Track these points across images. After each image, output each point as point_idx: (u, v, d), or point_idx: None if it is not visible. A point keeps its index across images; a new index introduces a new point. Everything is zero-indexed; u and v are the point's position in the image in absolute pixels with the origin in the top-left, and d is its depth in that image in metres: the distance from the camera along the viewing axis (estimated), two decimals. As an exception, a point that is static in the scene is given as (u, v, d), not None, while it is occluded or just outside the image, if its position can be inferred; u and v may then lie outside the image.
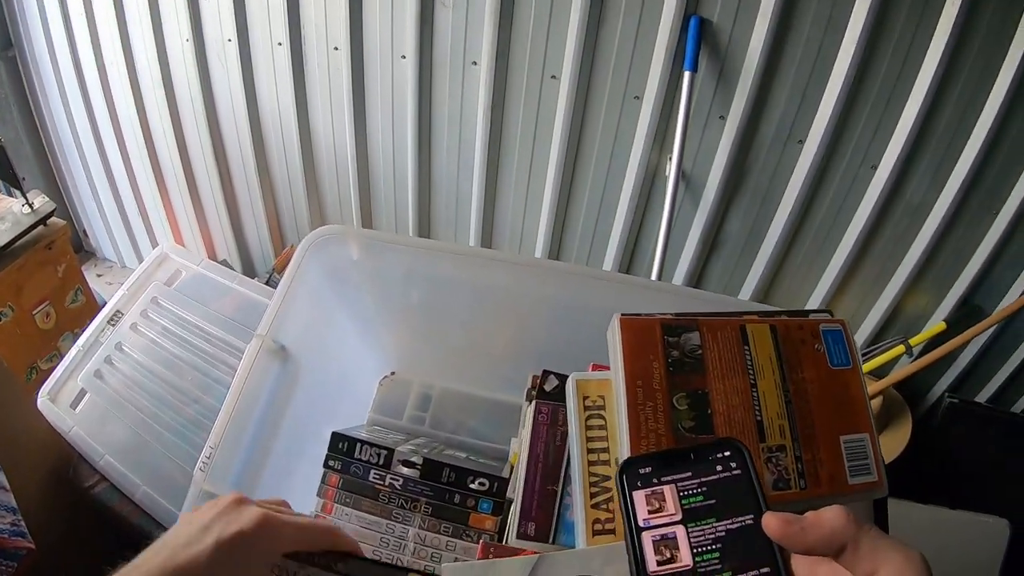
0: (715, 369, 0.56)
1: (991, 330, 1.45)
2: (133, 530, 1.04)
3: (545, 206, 1.57)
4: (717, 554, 0.39)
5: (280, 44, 1.52)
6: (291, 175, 1.74)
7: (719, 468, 0.42)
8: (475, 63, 1.40)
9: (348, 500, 0.68)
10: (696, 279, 1.62)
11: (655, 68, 1.31)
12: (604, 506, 0.54)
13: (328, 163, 1.69)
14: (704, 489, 0.41)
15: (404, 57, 1.44)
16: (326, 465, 0.69)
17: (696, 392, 0.55)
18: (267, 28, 1.52)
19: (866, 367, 1.55)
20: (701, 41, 1.27)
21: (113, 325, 1.19)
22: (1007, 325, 1.50)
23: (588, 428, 0.56)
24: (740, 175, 1.43)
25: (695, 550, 0.39)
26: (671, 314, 0.58)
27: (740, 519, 0.40)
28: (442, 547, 0.66)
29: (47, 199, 1.59)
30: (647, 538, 0.40)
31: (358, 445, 0.69)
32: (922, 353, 1.50)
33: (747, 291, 1.59)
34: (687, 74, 1.27)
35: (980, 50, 1.18)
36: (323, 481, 0.69)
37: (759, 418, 0.56)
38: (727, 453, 0.42)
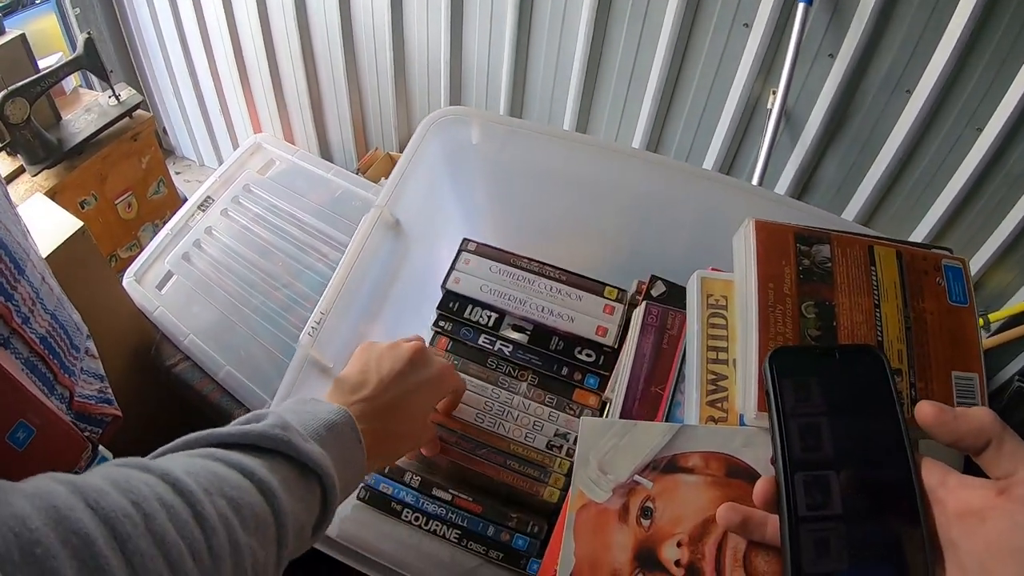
0: (843, 284, 0.55)
1: (1075, 319, 1.38)
2: (213, 409, 1.07)
3: (640, 126, 1.53)
4: (855, 451, 0.40)
5: (378, -57, 1.49)
6: (380, 78, 1.72)
7: (860, 371, 0.43)
8: (581, -30, 1.36)
9: (456, 363, 0.70)
10: (787, 219, 1.58)
11: (769, -5, 1.25)
12: (719, 405, 0.53)
13: (420, 68, 1.66)
14: (846, 388, 0.42)
15: (507, -36, 1.40)
16: (436, 325, 0.70)
17: (824, 303, 0.54)
18: (366, -74, 1.49)
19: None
20: (820, -28, 1.21)
21: (203, 211, 1.20)
22: (1091, 315, 1.43)
23: (710, 326, 0.56)
24: (843, 118, 1.37)
25: (836, 443, 0.40)
26: (802, 225, 0.57)
27: (878, 422, 0.41)
28: (544, 417, 0.67)
29: (133, 92, 1.61)
30: (793, 425, 0.40)
31: (469, 305, 0.70)
32: (1000, 330, 1.45)
33: (837, 237, 1.55)
34: (801, 5, 1.21)
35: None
36: (431, 343, 0.70)
37: (880, 339, 0.54)
38: (868, 359, 0.43)
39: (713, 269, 0.61)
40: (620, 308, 0.70)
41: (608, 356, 0.68)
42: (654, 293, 0.68)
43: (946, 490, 0.38)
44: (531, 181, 0.73)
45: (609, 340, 0.68)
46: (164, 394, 1.15)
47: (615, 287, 0.71)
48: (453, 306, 0.70)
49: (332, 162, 1.97)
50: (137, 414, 0.92)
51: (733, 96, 1.40)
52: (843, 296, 0.54)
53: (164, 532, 0.30)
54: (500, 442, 0.65)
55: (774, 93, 1.31)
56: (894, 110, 1.32)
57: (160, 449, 0.40)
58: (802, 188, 1.51)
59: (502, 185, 0.74)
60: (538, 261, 0.71)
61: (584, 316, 0.70)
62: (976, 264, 1.46)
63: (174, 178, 2.15)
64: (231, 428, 0.41)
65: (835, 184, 1.47)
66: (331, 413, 0.47)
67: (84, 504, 0.29)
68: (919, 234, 1.46)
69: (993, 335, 1.48)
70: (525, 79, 1.59)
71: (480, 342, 0.69)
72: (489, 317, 0.70)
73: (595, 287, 0.72)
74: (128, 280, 1.19)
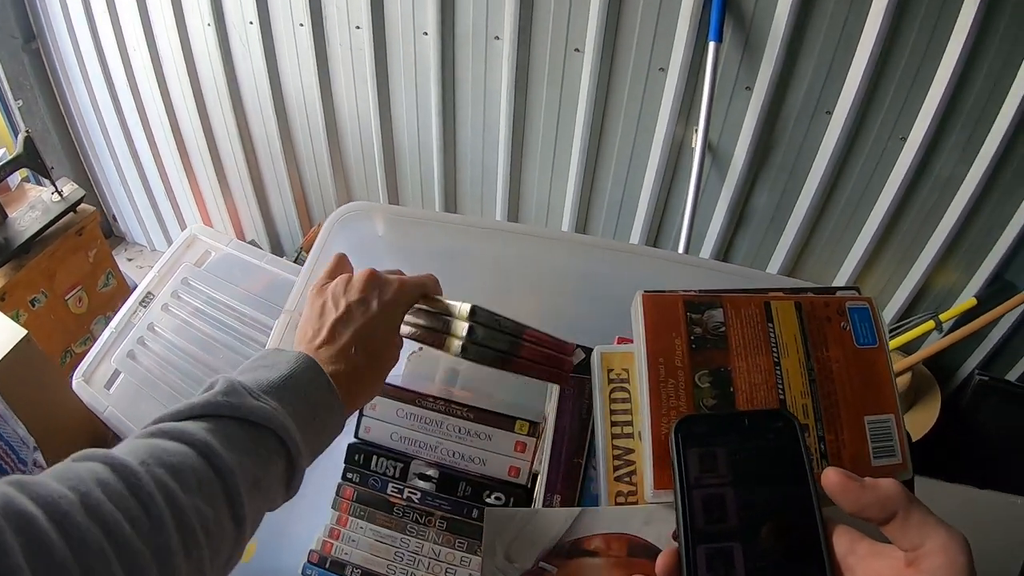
0: (738, 347, 0.55)
1: (1023, 307, 1.40)
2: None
3: (571, 180, 1.56)
4: (763, 519, 0.39)
5: (302, 25, 1.52)
6: (316, 154, 1.75)
7: (770, 436, 0.42)
8: (497, 38, 1.39)
9: (362, 513, 0.67)
10: (723, 253, 1.60)
11: (679, 39, 1.29)
12: (627, 479, 0.54)
13: (353, 141, 1.70)
14: (755, 455, 0.42)
15: (426, 34, 1.43)
16: (344, 478, 0.69)
17: (719, 370, 0.54)
18: (288, 9, 1.52)
19: (895, 343, 1.53)
20: (726, 10, 1.24)
21: (145, 307, 1.21)
22: (1040, 302, 1.46)
23: (612, 401, 0.56)
24: (767, 147, 1.41)
25: (743, 513, 0.40)
26: (694, 291, 0.58)
27: (788, 487, 0.40)
28: (456, 562, 0.65)
29: (76, 186, 1.62)
30: (697, 496, 0.40)
31: (374, 457, 0.68)
32: (952, 329, 1.47)
33: (775, 265, 1.57)
34: (712, 44, 1.25)
35: (1012, 18, 1.13)
36: (337, 494, 0.68)
37: (782, 397, 0.54)
38: (778, 423, 0.43)
39: (620, 340, 0.62)
40: (531, 442, 0.68)
41: (519, 497, 0.66)
42: (575, 362, 0.69)
43: (856, 558, 0.38)
44: (442, 265, 0.73)
45: (522, 479, 0.67)
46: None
47: (526, 420, 0.69)
48: (359, 459, 0.68)
49: (279, 238, 2.02)
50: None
51: (657, 140, 1.44)
52: (739, 359, 0.55)
53: (98, 505, 0.35)
54: None
55: (696, 131, 1.34)
56: (817, 132, 1.36)
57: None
58: (737, 220, 1.54)
59: (414, 272, 0.75)
60: (444, 400, 0.69)
61: (496, 456, 0.68)
62: (920, 268, 1.49)
63: (126, 264, 2.16)
64: (180, 404, 0.43)
65: (768, 213, 1.50)
66: (290, 364, 0.48)
67: (25, 495, 0.33)
68: (857, 250, 1.49)
69: (946, 335, 1.50)
70: (455, 141, 1.62)
71: (388, 491, 0.67)
72: (395, 467, 0.68)
73: (505, 422, 0.69)
74: (77, 381, 1.19)
